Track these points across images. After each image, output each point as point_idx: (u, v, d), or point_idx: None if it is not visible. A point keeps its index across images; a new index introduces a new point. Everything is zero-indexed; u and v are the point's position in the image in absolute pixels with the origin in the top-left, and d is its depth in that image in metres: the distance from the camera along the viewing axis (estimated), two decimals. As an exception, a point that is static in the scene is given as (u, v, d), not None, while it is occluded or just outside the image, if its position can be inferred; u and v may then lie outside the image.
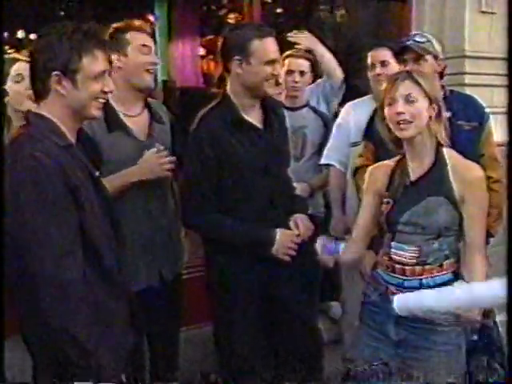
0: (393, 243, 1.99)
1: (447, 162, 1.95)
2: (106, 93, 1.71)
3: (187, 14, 5.65)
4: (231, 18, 5.94)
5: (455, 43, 3.54)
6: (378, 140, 2.69)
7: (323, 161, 3.11)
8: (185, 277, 2.68)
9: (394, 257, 1.98)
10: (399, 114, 1.91)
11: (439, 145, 1.97)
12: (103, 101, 1.72)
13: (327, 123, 3.20)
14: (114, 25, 2.39)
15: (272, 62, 2.24)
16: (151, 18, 5.90)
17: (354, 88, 4.12)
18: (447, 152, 1.98)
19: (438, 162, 1.96)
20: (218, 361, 2.64)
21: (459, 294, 1.76)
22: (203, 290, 2.52)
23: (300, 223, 2.32)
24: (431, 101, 1.94)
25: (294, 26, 5.40)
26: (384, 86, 2.84)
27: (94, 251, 1.65)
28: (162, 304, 2.44)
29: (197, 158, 2.27)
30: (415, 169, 1.99)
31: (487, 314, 2.05)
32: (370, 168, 2.17)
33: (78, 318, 1.56)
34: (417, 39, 2.61)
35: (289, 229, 2.32)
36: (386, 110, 1.96)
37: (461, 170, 1.94)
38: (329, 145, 3.09)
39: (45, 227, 1.54)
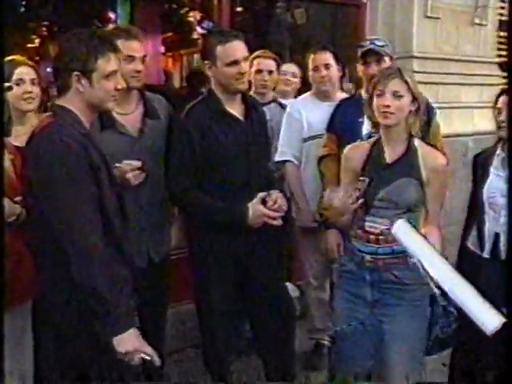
0: (367, 217, 2.27)
1: (417, 150, 2.25)
2: (118, 90, 1.98)
3: (149, 11, 5.76)
4: (191, 16, 6.14)
5: (404, 44, 3.87)
6: (340, 132, 3.02)
7: (279, 158, 3.29)
8: (173, 257, 2.93)
9: (368, 229, 2.27)
10: (387, 106, 2.20)
11: (411, 135, 2.26)
12: (116, 96, 1.99)
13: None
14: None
15: (235, 63, 2.53)
16: (112, 16, 6.02)
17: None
18: (417, 142, 2.27)
19: (410, 149, 2.25)
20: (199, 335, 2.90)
21: (458, 288, 1.93)
22: (188, 270, 2.78)
23: (274, 196, 2.58)
24: (414, 98, 2.22)
25: (253, 24, 5.69)
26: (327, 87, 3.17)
27: (108, 224, 1.92)
28: (149, 283, 2.62)
29: (184, 142, 2.55)
30: (390, 153, 2.27)
31: None
32: (346, 148, 2.43)
33: (101, 276, 1.82)
34: (377, 43, 2.94)
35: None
36: (375, 100, 2.23)
37: (428, 158, 2.24)
38: (281, 142, 3.29)
39: (73, 200, 1.81)
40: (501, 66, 4.25)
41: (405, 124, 2.25)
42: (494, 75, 4.15)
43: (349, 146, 2.43)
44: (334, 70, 3.22)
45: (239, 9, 5.44)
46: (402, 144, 2.27)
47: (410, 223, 2.06)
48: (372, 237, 2.26)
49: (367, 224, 2.27)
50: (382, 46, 2.93)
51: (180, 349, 3.42)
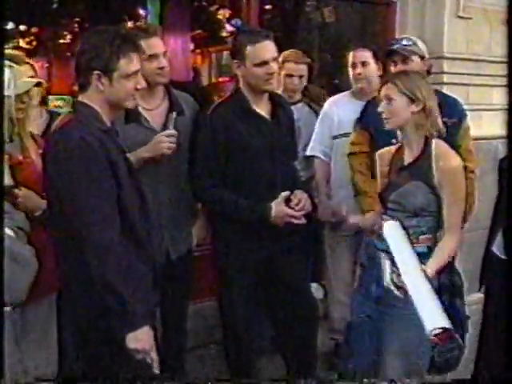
0: (384, 216, 2.32)
1: (433, 151, 2.23)
2: (138, 89, 1.99)
3: (178, 9, 5.80)
4: (220, 14, 6.16)
5: (434, 45, 3.81)
6: (373, 129, 3.01)
7: (309, 153, 3.36)
8: (196, 254, 2.95)
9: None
10: (381, 112, 2.29)
11: (428, 136, 2.25)
12: (135, 95, 2.01)
13: (320, 117, 3.43)
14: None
15: (265, 63, 2.53)
16: (143, 13, 6.06)
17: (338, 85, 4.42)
18: (435, 143, 2.25)
19: (425, 151, 2.25)
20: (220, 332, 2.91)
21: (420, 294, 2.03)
22: (211, 267, 2.80)
23: (299, 196, 2.60)
24: (411, 99, 2.23)
25: (282, 23, 5.68)
26: (363, 84, 3.18)
27: (127, 220, 1.94)
28: (168, 280, 2.62)
29: (209, 140, 2.56)
30: (408, 156, 2.30)
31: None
32: (378, 152, 2.49)
33: (117, 272, 1.83)
34: (403, 42, 2.92)
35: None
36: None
37: (441, 160, 2.21)
38: (313, 138, 3.35)
39: (90, 196, 1.84)
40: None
41: (414, 125, 2.25)
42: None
43: (379, 151, 2.49)
44: (372, 68, 3.21)
45: (268, 7, 5.45)
46: (417, 146, 2.28)
47: (404, 228, 2.18)
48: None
49: (382, 222, 2.30)
50: (409, 45, 2.90)
51: (202, 345, 3.44)
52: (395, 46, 2.93)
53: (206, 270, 3.02)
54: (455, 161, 2.25)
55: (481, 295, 2.73)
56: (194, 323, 3.18)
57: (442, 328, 1.92)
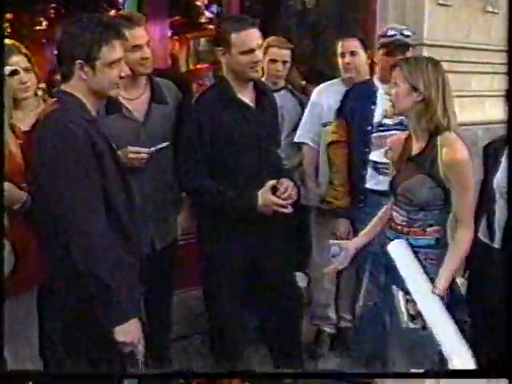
0: (394, 206, 2.32)
1: (436, 144, 2.16)
2: (122, 77, 1.97)
3: (156, -5, 5.72)
4: (199, 0, 6.08)
5: (415, 32, 3.82)
6: (350, 118, 3.01)
7: (297, 139, 3.36)
8: (181, 243, 2.94)
9: (392, 217, 2.33)
10: (388, 94, 2.26)
11: (436, 129, 2.16)
12: (119, 83, 1.98)
13: (303, 104, 3.43)
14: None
15: (250, 52, 2.51)
16: (120, -1, 5.96)
17: (319, 72, 4.40)
18: (440, 136, 2.16)
19: (430, 143, 2.18)
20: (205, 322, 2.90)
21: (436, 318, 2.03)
22: (196, 256, 2.78)
23: (285, 184, 2.60)
24: (414, 88, 2.15)
25: (261, 9, 5.62)
26: (351, 74, 3.18)
27: (113, 211, 1.92)
28: (153, 270, 2.62)
29: (194, 129, 2.54)
30: (415, 146, 2.26)
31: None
32: (388, 140, 2.45)
33: (104, 264, 1.82)
34: (404, 33, 2.91)
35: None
36: None
37: (446, 152, 2.13)
38: (302, 124, 3.34)
39: (75, 186, 1.81)
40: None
41: (415, 115, 2.19)
42: (505, 64, 4.09)
43: (389, 139, 2.45)
44: (361, 57, 3.21)
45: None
46: (423, 137, 2.22)
47: (410, 244, 2.17)
48: (393, 224, 2.31)
49: (393, 213, 2.32)
50: (409, 36, 2.91)
51: (187, 335, 3.44)
52: (398, 37, 2.89)
53: (191, 259, 3.00)
54: (462, 152, 2.14)
55: (464, 280, 2.76)
56: (178, 313, 3.18)
57: None
